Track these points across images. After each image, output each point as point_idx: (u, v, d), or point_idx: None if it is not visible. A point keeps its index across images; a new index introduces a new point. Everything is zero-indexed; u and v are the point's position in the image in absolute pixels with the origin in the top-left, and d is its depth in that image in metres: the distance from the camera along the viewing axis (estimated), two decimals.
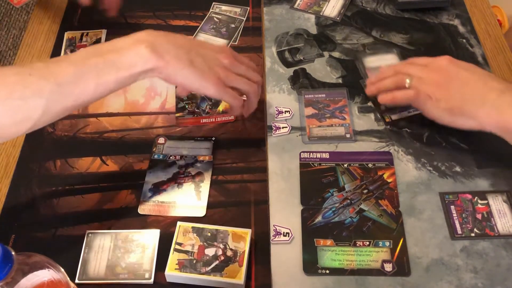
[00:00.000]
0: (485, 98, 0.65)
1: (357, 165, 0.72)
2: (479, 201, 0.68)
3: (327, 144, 0.75)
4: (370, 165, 0.72)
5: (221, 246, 0.63)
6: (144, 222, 0.68)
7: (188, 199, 0.70)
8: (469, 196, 0.69)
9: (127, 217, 0.69)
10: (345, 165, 0.72)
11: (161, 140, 0.77)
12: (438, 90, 0.68)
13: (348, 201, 0.69)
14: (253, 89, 0.70)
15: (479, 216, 0.67)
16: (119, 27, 0.92)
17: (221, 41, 0.89)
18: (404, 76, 0.72)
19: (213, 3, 0.95)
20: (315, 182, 0.71)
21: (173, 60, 0.62)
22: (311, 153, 0.74)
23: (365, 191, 0.70)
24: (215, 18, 0.92)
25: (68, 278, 0.53)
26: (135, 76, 0.61)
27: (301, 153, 0.74)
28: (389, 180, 0.71)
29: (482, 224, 0.66)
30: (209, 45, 0.70)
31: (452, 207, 0.68)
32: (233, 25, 0.91)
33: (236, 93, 0.68)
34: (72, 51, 0.88)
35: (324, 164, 0.72)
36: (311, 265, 0.64)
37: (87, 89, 0.58)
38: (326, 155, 0.73)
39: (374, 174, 0.71)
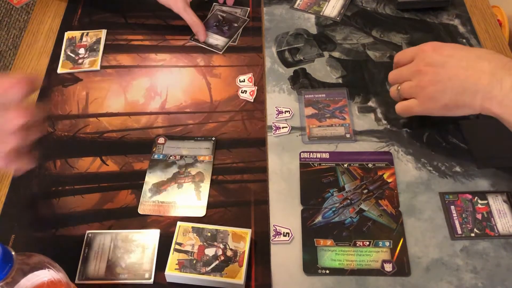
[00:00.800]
0: (477, 87, 0.62)
1: (357, 165, 0.72)
2: (479, 201, 0.68)
3: (327, 144, 0.75)
4: (370, 165, 0.72)
5: (221, 246, 0.63)
6: (144, 222, 0.68)
7: (188, 199, 0.70)
8: (469, 196, 0.69)
9: (127, 217, 0.69)
10: (345, 165, 0.72)
11: (161, 140, 0.77)
12: (424, 90, 0.67)
13: (348, 201, 0.69)
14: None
15: (479, 216, 0.67)
16: (119, 27, 0.92)
17: (221, 40, 0.89)
18: (394, 86, 0.72)
19: (214, 4, 0.95)
20: (315, 182, 0.71)
21: None
22: (311, 153, 0.74)
23: (365, 191, 0.70)
24: (219, 16, 0.92)
25: (68, 278, 0.53)
26: None
27: (301, 153, 0.74)
28: (389, 180, 0.71)
29: (482, 224, 0.66)
30: None
31: (452, 207, 0.68)
32: (235, 24, 0.91)
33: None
34: (72, 51, 0.88)
35: (324, 164, 0.72)
36: (311, 265, 0.64)
37: None
38: (326, 155, 0.73)
39: (374, 174, 0.71)
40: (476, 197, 0.69)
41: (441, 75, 0.65)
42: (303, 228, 0.67)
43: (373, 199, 0.69)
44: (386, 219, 0.67)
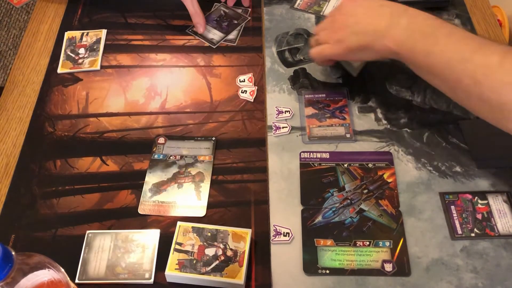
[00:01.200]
0: (377, 28, 0.67)
1: (357, 165, 0.72)
2: (479, 201, 0.68)
3: (327, 144, 0.75)
4: (370, 165, 0.72)
5: (221, 246, 0.63)
6: (144, 222, 0.68)
7: (188, 199, 0.70)
8: (469, 196, 0.69)
9: (127, 217, 0.69)
10: (345, 165, 0.72)
11: (161, 140, 0.77)
12: (335, 34, 0.72)
13: (348, 201, 0.69)
14: None
15: (479, 216, 0.67)
16: (119, 27, 0.92)
17: (218, 34, 0.89)
18: (314, 36, 0.78)
19: (215, 4, 0.95)
20: (315, 182, 0.71)
21: None
22: (311, 153, 0.74)
23: (365, 191, 0.70)
24: (222, 11, 0.92)
25: (68, 278, 0.53)
26: None
27: (301, 153, 0.74)
28: (389, 180, 0.71)
29: (482, 224, 0.66)
30: None
31: (452, 207, 0.68)
32: (235, 21, 0.91)
33: None
34: (72, 51, 0.88)
35: (324, 164, 0.72)
36: (311, 265, 0.64)
37: None
38: (326, 155, 0.73)
39: (374, 174, 0.71)
40: (476, 197, 0.69)
41: (350, 21, 0.71)
42: (303, 228, 0.67)
43: (373, 199, 0.69)
44: (386, 219, 0.67)
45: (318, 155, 0.73)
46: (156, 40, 0.90)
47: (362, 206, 0.68)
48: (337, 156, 0.73)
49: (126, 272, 0.63)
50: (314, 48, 0.77)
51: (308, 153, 0.74)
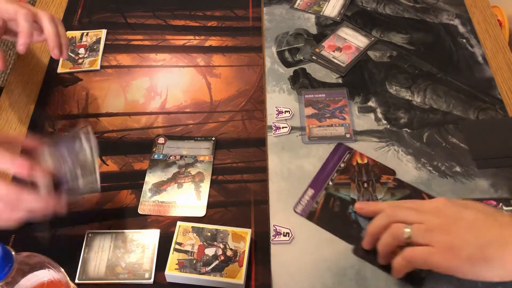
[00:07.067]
0: (505, 237, 0.54)
1: (336, 174, 0.71)
2: (504, 207, 0.67)
3: (327, 144, 0.75)
4: (342, 165, 0.72)
5: (221, 246, 0.63)
6: (144, 222, 0.68)
7: (188, 199, 0.70)
8: (494, 203, 0.68)
9: (127, 217, 0.69)
10: (331, 183, 0.70)
11: (161, 140, 0.77)
12: (448, 237, 0.55)
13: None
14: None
15: None
16: (119, 27, 0.92)
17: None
18: (401, 225, 0.58)
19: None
20: (342, 217, 0.67)
21: None
22: (303, 199, 0.69)
23: (365, 184, 0.70)
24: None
25: (68, 278, 0.53)
26: None
27: (295, 209, 0.69)
28: (364, 161, 0.71)
29: None
30: None
31: None
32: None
33: None
34: (72, 51, 0.88)
35: (321, 197, 0.69)
36: None
37: None
38: (311, 192, 0.69)
39: (352, 168, 0.71)
40: (500, 203, 0.68)
41: (460, 224, 0.56)
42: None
43: (377, 184, 0.69)
44: (399, 192, 0.69)
45: (309, 195, 0.69)
46: (156, 40, 0.90)
47: (377, 195, 0.69)
48: (317, 184, 0.70)
49: (126, 272, 0.63)
50: (409, 251, 0.57)
51: (301, 206, 0.69)
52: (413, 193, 0.69)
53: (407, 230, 0.57)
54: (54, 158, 0.60)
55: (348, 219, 0.67)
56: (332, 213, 0.68)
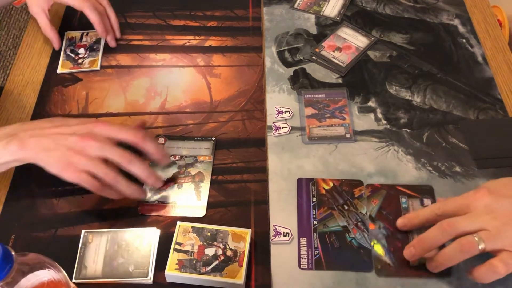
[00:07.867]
0: None
1: (315, 211, 0.68)
2: None
3: (327, 144, 0.75)
4: (314, 199, 0.69)
5: (221, 246, 0.63)
6: (144, 222, 0.68)
7: (188, 199, 0.70)
8: None
9: (127, 217, 0.69)
10: (316, 222, 0.67)
11: (161, 140, 0.77)
12: None
13: (360, 223, 0.66)
14: (113, 178, 0.64)
15: None
16: (119, 27, 0.92)
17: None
18: (472, 240, 0.55)
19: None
20: (343, 249, 0.65)
21: (34, 149, 0.63)
22: (301, 249, 0.65)
23: (347, 207, 0.68)
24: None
25: (68, 278, 0.53)
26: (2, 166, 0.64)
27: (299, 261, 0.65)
28: (330, 184, 0.69)
29: None
30: (74, 123, 0.66)
31: None
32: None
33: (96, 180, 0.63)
34: (72, 51, 0.88)
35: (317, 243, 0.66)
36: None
37: None
38: (304, 241, 0.66)
39: (324, 197, 0.69)
40: None
41: None
42: None
43: (355, 200, 0.68)
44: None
45: (305, 245, 0.66)
46: (156, 40, 0.90)
47: (362, 211, 0.68)
48: (305, 231, 0.66)
49: (126, 271, 0.63)
50: (499, 266, 0.55)
51: (304, 260, 0.65)
52: (389, 190, 0.69)
53: (481, 246, 0.55)
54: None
55: (352, 248, 0.65)
56: (335, 250, 0.65)
